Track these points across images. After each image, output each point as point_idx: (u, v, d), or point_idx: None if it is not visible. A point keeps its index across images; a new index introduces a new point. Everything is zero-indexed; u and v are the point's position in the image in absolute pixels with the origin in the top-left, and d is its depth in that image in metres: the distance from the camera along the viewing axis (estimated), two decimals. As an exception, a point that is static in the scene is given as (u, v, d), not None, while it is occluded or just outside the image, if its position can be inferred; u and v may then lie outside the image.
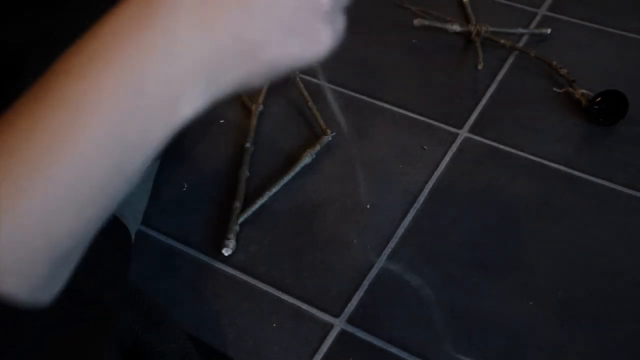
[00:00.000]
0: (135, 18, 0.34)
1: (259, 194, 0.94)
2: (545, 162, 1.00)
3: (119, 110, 0.33)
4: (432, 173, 0.99)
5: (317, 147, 1.00)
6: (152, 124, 0.34)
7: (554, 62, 1.15)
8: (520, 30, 1.24)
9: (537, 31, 1.24)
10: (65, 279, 0.34)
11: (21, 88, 0.51)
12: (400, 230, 0.91)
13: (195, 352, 0.71)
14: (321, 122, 1.05)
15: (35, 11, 0.55)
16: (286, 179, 0.96)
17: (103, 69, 0.33)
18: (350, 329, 0.80)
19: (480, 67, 1.16)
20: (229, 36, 0.35)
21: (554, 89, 1.12)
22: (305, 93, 1.08)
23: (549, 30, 1.24)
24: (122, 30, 0.34)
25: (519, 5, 1.32)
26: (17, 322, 0.34)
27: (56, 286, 0.34)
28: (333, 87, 1.12)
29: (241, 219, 0.90)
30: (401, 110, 1.10)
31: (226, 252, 0.87)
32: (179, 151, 1.00)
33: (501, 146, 1.03)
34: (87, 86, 0.32)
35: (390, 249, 0.88)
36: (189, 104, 0.35)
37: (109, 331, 0.52)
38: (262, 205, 0.93)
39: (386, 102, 1.11)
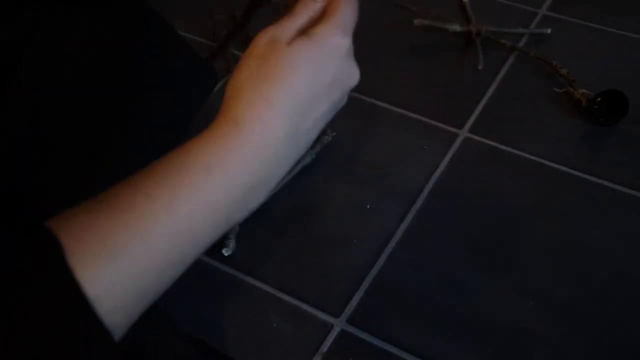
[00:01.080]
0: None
1: (259, 194, 0.94)
2: (545, 162, 1.00)
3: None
4: (432, 173, 0.99)
5: (317, 147, 1.00)
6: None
7: (554, 62, 1.14)
8: (520, 30, 1.24)
9: (537, 31, 1.24)
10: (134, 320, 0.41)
11: (16, 85, 0.51)
12: (400, 230, 0.91)
13: (194, 353, 0.71)
14: (321, 122, 1.04)
15: (30, 8, 0.55)
16: (286, 179, 0.96)
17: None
18: (350, 329, 0.80)
19: (480, 67, 1.16)
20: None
21: (554, 89, 1.12)
22: (305, 93, 1.08)
23: (549, 30, 1.23)
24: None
25: (519, 5, 1.32)
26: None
27: (129, 324, 0.41)
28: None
29: (241, 219, 0.90)
30: (401, 110, 1.09)
31: (226, 252, 0.87)
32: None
33: (501, 146, 1.03)
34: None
35: (390, 249, 0.88)
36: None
37: None
38: (262, 205, 0.93)
39: (386, 102, 1.11)
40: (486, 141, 1.04)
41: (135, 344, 0.68)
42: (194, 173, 0.42)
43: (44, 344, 0.34)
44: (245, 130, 0.43)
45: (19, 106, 0.54)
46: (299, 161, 0.98)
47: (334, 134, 1.02)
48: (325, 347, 0.78)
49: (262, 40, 0.46)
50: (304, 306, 0.82)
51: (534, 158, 1.01)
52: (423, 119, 1.08)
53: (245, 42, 1.24)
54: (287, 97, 0.45)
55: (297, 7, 0.49)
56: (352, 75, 0.51)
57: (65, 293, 0.35)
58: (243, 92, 0.44)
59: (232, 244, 0.87)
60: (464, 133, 1.05)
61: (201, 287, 0.84)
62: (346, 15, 0.49)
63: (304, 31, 0.47)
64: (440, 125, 1.07)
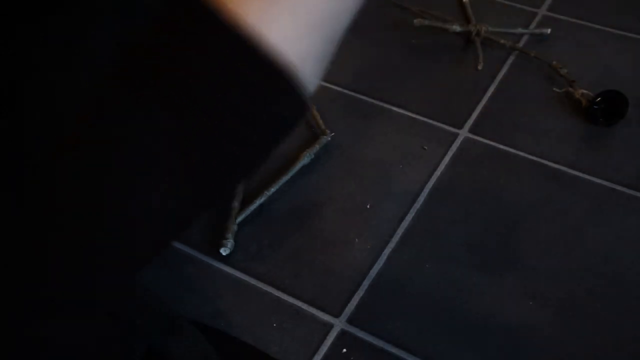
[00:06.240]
0: None
1: (257, 193, 0.94)
2: (545, 162, 1.00)
3: None
4: (432, 173, 0.99)
5: (316, 148, 1.00)
6: None
7: (554, 62, 1.14)
8: (520, 30, 1.24)
9: (537, 31, 1.24)
10: (327, 62, 0.38)
11: (24, 89, 0.51)
12: (400, 230, 0.90)
13: (216, 356, 0.71)
14: (320, 122, 1.04)
15: (40, 17, 0.55)
16: (285, 179, 0.96)
17: None
18: (350, 329, 0.80)
19: (480, 67, 1.16)
20: None
21: (554, 89, 1.12)
22: (305, 93, 1.08)
23: (549, 30, 1.23)
24: None
25: (519, 5, 1.32)
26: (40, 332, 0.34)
27: (321, 68, 0.38)
28: (334, 87, 1.12)
29: (239, 219, 0.90)
30: (401, 110, 1.09)
31: (224, 251, 0.87)
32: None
33: (501, 146, 1.03)
34: None
35: (390, 249, 0.88)
36: None
37: (124, 339, 0.52)
38: (260, 205, 0.93)
39: (386, 102, 1.11)
40: (486, 141, 1.04)
41: (150, 350, 0.67)
42: None
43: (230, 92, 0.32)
44: None
45: (31, 110, 0.54)
46: (298, 161, 0.98)
47: (333, 134, 1.02)
48: (325, 347, 0.78)
49: None
50: (304, 306, 0.82)
51: (534, 158, 1.01)
52: (423, 119, 1.08)
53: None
54: None
55: None
56: None
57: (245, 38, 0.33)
58: None
59: (230, 243, 0.87)
60: (464, 133, 1.05)
61: (201, 287, 0.84)
62: None
63: None
64: (441, 125, 1.07)
